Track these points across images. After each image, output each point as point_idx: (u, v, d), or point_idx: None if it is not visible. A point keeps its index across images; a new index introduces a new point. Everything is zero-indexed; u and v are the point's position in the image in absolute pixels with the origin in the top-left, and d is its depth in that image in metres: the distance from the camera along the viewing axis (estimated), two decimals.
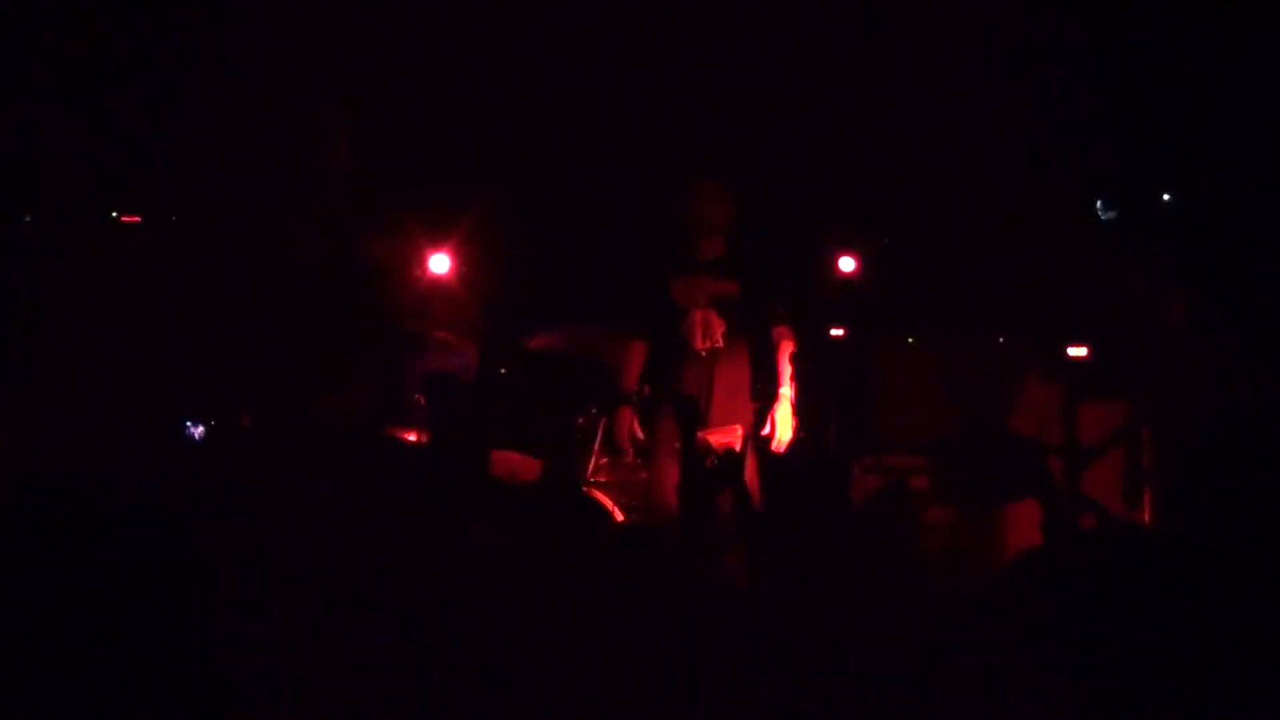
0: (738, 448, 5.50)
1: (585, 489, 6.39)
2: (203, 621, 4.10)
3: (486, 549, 5.70)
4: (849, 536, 6.32)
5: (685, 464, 5.48)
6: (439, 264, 6.91)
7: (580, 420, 6.61)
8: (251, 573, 4.51)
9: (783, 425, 5.60)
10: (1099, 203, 6.88)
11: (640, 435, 5.80)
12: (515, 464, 6.54)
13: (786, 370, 5.71)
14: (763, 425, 5.60)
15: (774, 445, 5.61)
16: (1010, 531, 6.28)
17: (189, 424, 6.53)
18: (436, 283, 6.91)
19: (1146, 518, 6.36)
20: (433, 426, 6.50)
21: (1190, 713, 3.65)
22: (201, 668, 3.88)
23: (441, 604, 4.67)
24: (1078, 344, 6.67)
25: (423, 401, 6.58)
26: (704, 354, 5.64)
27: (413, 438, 6.58)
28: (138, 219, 6.40)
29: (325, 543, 5.85)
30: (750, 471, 5.59)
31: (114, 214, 6.42)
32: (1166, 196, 6.78)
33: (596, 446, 6.58)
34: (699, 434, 5.46)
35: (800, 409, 5.83)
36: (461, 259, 6.97)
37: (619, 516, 6.21)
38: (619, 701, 3.84)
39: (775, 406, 5.63)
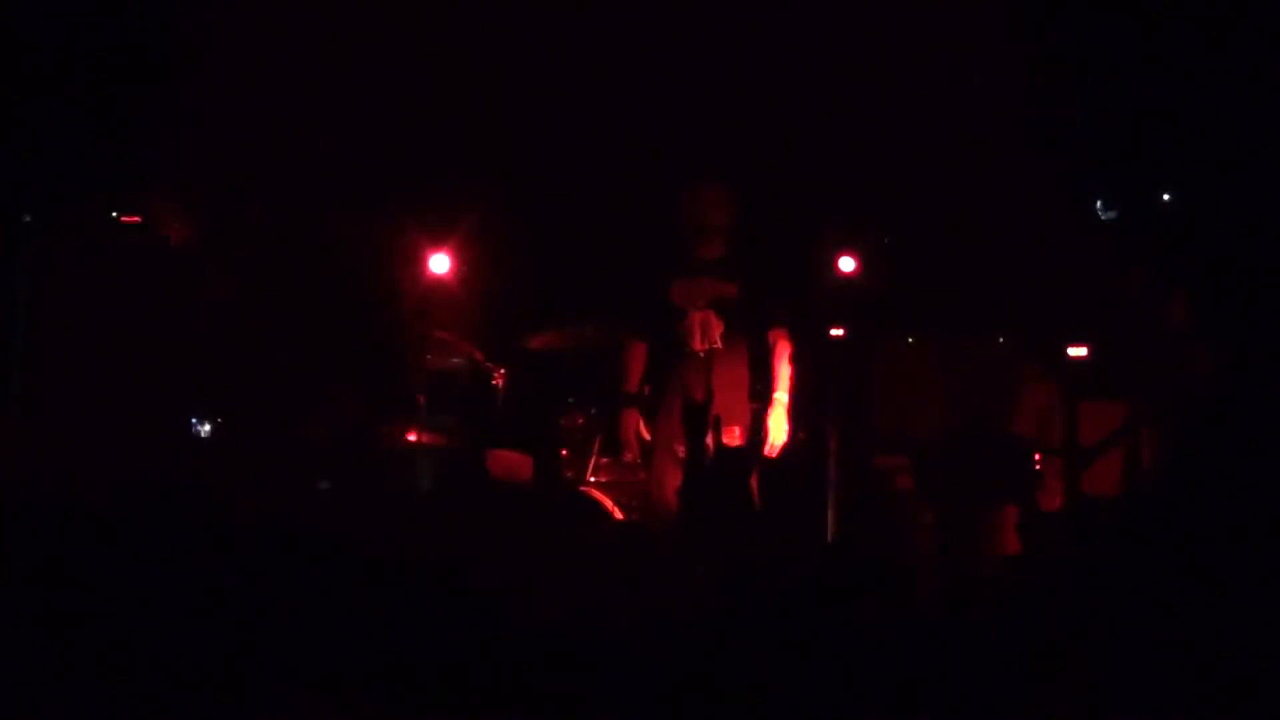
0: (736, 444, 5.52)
1: (585, 489, 6.40)
2: (204, 619, 4.11)
3: (485, 548, 5.71)
4: (843, 536, 6.32)
5: (690, 466, 5.48)
6: (439, 264, 6.92)
7: (580, 420, 6.61)
8: (252, 571, 4.51)
9: (776, 429, 5.61)
10: (1099, 203, 6.88)
11: (646, 436, 5.80)
12: (515, 464, 6.54)
13: (784, 373, 5.71)
14: (758, 428, 5.60)
15: (767, 449, 5.62)
16: (1000, 533, 6.28)
17: (194, 421, 6.54)
18: (436, 283, 6.92)
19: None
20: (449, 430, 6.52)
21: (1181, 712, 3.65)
22: (203, 665, 3.89)
23: (440, 603, 4.68)
24: (1078, 344, 6.67)
25: (423, 401, 6.59)
26: (702, 355, 5.64)
27: (413, 438, 6.59)
28: (138, 219, 6.41)
29: (325, 541, 5.85)
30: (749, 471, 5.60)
31: (114, 214, 6.42)
32: (1166, 196, 6.78)
33: (596, 446, 6.58)
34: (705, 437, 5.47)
35: (800, 409, 5.83)
36: (461, 259, 6.97)
37: (619, 516, 6.21)
38: (617, 700, 3.84)
39: (770, 411, 5.63)
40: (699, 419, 5.47)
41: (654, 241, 5.97)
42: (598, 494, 6.31)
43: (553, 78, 7.19)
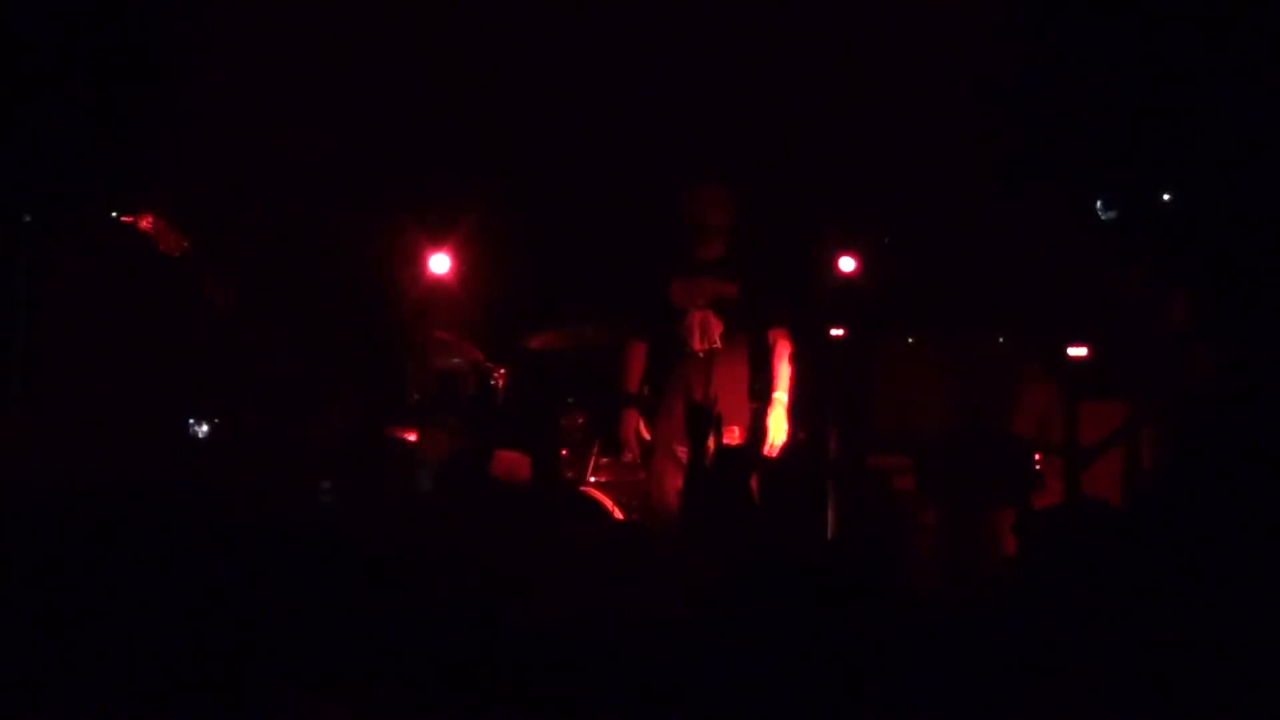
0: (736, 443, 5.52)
1: (585, 489, 6.40)
2: (204, 619, 4.11)
3: (485, 548, 5.71)
4: (843, 536, 6.32)
5: (691, 466, 5.48)
6: (439, 264, 6.92)
7: (580, 420, 6.61)
8: (252, 571, 4.51)
9: (776, 429, 5.61)
10: (1099, 203, 6.88)
11: (647, 436, 5.80)
12: (515, 464, 6.54)
13: (784, 372, 5.71)
14: (758, 428, 5.60)
15: (766, 449, 5.61)
16: (1001, 533, 6.28)
17: (191, 422, 6.53)
18: (436, 283, 6.92)
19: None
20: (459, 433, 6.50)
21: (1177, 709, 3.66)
22: (203, 665, 3.89)
23: (440, 603, 4.68)
24: (1078, 344, 6.66)
25: (423, 402, 6.59)
26: (701, 355, 5.64)
27: (413, 438, 6.59)
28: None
29: (325, 542, 5.84)
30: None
31: (114, 214, 6.42)
32: (1166, 196, 6.77)
33: (596, 447, 6.58)
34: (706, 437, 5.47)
35: (800, 409, 5.83)
36: (461, 259, 6.97)
37: (619, 516, 6.21)
38: (617, 700, 3.85)
39: (769, 410, 5.62)
40: (700, 419, 5.48)
41: (654, 241, 5.97)
42: (598, 494, 6.31)
43: (553, 78, 7.18)
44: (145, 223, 6.10)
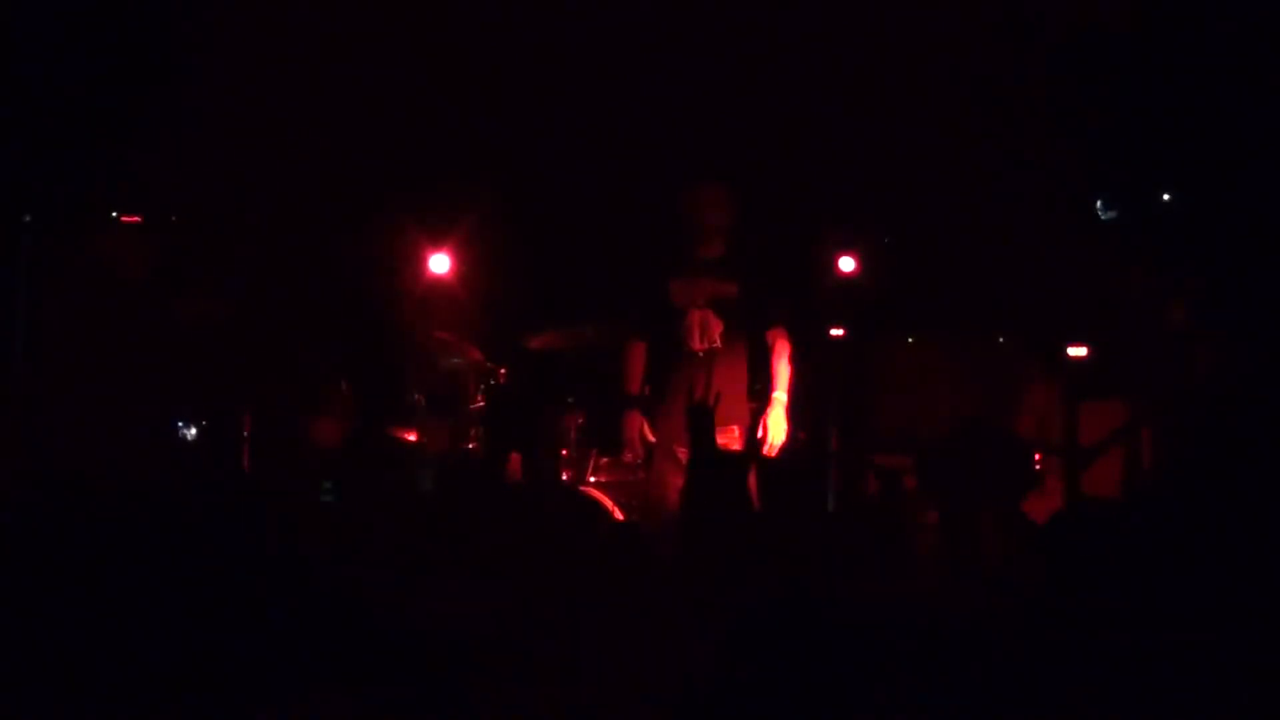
0: (736, 448, 5.51)
1: (585, 489, 6.40)
2: (205, 620, 4.11)
3: (486, 547, 5.72)
4: (844, 536, 6.33)
5: (693, 468, 5.47)
6: (439, 264, 6.92)
7: (580, 420, 6.61)
8: (251, 571, 4.51)
9: (775, 429, 5.59)
10: (1099, 203, 6.88)
11: (650, 437, 5.78)
12: (516, 464, 6.54)
13: (784, 372, 5.69)
14: (758, 428, 5.59)
15: (766, 449, 5.60)
16: (1000, 533, 6.28)
17: (180, 424, 6.54)
18: (436, 283, 6.92)
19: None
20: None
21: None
22: (202, 665, 3.89)
23: (439, 603, 4.69)
24: (1078, 344, 6.67)
25: (423, 401, 6.59)
26: (701, 355, 5.63)
27: (413, 438, 6.60)
28: (138, 219, 6.41)
29: (326, 541, 5.86)
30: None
31: (114, 214, 6.43)
32: (1166, 196, 6.78)
33: (596, 447, 6.58)
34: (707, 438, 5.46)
35: (800, 409, 5.82)
36: (461, 259, 6.98)
37: (619, 516, 6.21)
38: (617, 700, 3.85)
39: (769, 410, 5.61)
40: (700, 419, 5.47)
41: (654, 241, 5.96)
42: (598, 494, 6.30)
43: (553, 78, 7.19)
44: (105, 245, 6.11)
